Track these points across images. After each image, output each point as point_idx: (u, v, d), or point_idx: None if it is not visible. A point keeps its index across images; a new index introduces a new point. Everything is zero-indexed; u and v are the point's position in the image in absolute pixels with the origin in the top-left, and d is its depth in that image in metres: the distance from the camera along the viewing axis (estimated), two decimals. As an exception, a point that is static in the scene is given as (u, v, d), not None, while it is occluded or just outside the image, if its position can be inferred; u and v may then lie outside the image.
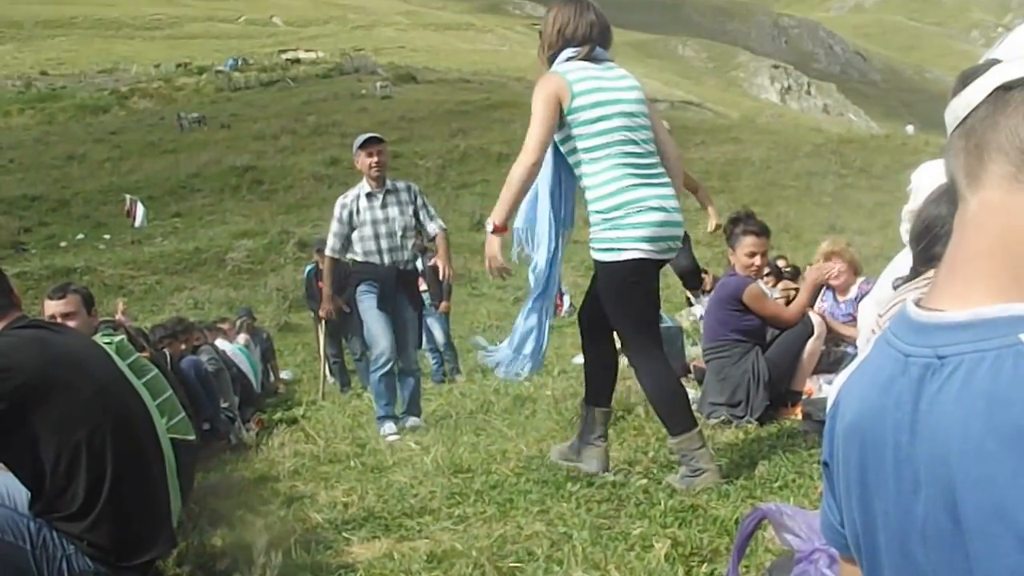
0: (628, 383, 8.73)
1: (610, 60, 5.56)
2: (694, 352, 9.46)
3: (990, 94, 1.35)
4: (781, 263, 14.74)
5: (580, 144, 5.34)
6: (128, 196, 36.60)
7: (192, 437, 6.11)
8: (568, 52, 5.44)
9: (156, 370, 5.92)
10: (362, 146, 9.08)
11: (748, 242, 7.23)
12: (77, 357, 4.59)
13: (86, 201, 41.42)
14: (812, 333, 7.13)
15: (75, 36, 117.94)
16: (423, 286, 12.04)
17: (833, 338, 7.73)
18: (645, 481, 5.39)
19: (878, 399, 1.42)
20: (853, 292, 8.15)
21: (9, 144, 56.09)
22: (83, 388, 4.42)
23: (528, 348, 5.67)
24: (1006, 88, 1.34)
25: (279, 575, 4.67)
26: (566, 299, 24.82)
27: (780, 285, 12.26)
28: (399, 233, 8.97)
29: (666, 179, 5.43)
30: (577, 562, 4.28)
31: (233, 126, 59.60)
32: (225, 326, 15.69)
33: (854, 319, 7.23)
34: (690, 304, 14.96)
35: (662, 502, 4.91)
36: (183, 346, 9.99)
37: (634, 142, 5.30)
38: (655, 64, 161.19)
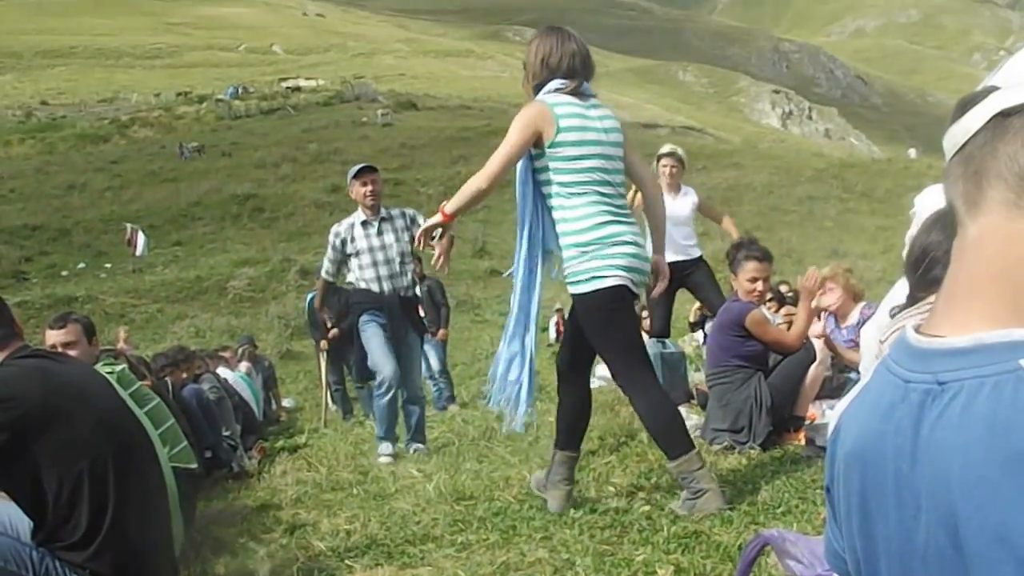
0: (631, 409, 8.74)
1: (594, 96, 5.64)
2: (697, 378, 9.45)
3: (988, 121, 1.35)
4: (784, 288, 14.74)
5: (557, 178, 5.40)
6: (129, 225, 36.75)
7: (194, 466, 6.12)
8: (556, 83, 5.49)
9: (158, 399, 5.94)
10: (356, 176, 9.15)
11: (750, 267, 7.24)
12: (79, 386, 4.58)
13: (87, 230, 41.53)
14: (814, 359, 7.13)
15: (75, 66, 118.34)
16: (420, 313, 12.08)
17: (837, 364, 7.72)
18: (648, 507, 5.37)
19: (879, 425, 1.41)
20: (855, 318, 8.13)
21: (10, 174, 56.30)
22: (85, 417, 4.41)
23: (513, 374, 5.64)
24: (1005, 115, 1.34)
25: (282, 603, 4.66)
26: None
27: (783, 311, 12.26)
28: (397, 260, 8.99)
29: (632, 218, 5.59)
30: (580, 589, 4.27)
31: (234, 154, 59.84)
32: (227, 354, 15.69)
33: (856, 345, 7.22)
34: (693, 330, 14.98)
35: (665, 528, 4.90)
36: (184, 375, 9.98)
37: (608, 183, 5.41)
38: (655, 89, 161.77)
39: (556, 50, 5.52)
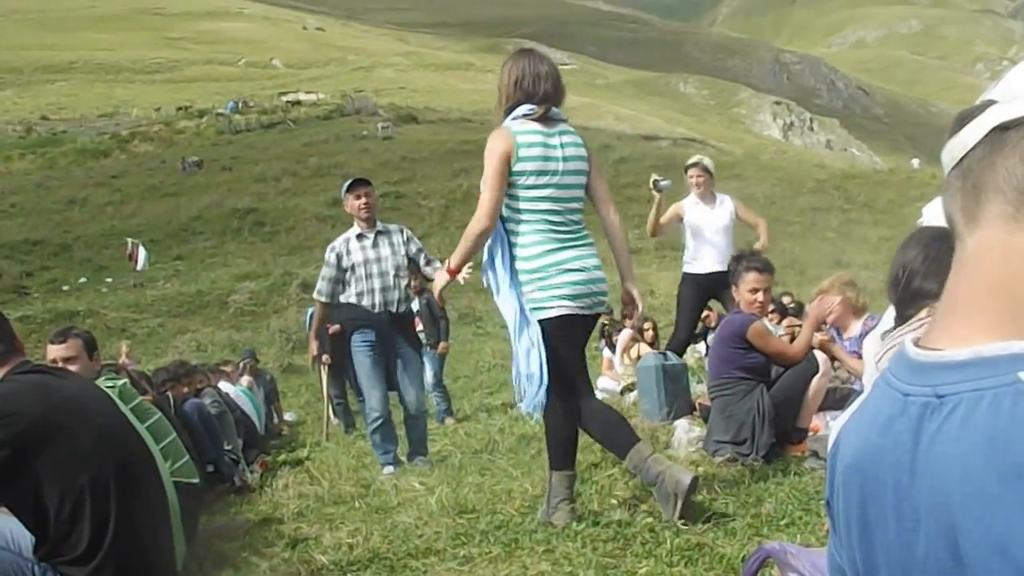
0: (634, 421, 8.74)
1: (563, 120, 5.76)
2: (699, 390, 9.45)
3: (987, 135, 1.35)
4: (786, 300, 14.75)
5: (510, 203, 5.59)
6: (130, 239, 36.81)
7: (196, 480, 6.11)
8: (524, 109, 5.62)
9: (159, 414, 5.93)
10: (349, 189, 9.22)
11: (751, 278, 7.24)
12: (80, 402, 4.59)
13: (88, 245, 41.52)
14: (817, 370, 7.12)
15: (75, 80, 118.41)
16: (419, 326, 12.07)
17: (840, 375, 7.72)
18: (651, 520, 5.36)
19: (878, 439, 1.42)
20: (857, 329, 8.10)
21: (10, 189, 56.29)
22: (86, 433, 4.42)
23: (533, 367, 5.67)
24: (1002, 128, 1.34)
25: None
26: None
27: (785, 322, 12.27)
28: (391, 273, 9.00)
29: (588, 241, 5.72)
30: (584, 601, 4.26)
31: (234, 168, 59.78)
32: (228, 368, 15.70)
33: (859, 356, 7.22)
34: (695, 342, 14.97)
35: (668, 541, 4.89)
36: (186, 389, 9.99)
37: (557, 212, 5.58)
38: (656, 101, 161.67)
39: (529, 72, 5.68)
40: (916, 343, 1.42)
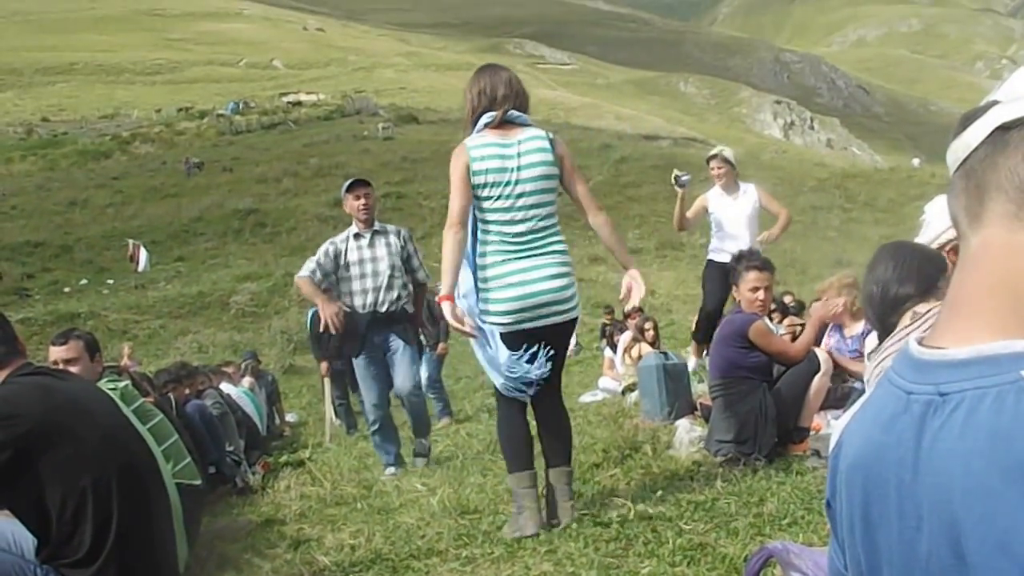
0: (635, 421, 8.74)
1: (529, 124, 5.84)
2: (700, 389, 9.45)
3: (989, 135, 1.36)
4: (787, 299, 14.76)
5: (475, 214, 5.74)
6: (131, 241, 36.84)
7: (198, 482, 6.11)
8: (485, 118, 5.77)
9: (161, 415, 5.93)
10: (348, 190, 9.19)
11: (751, 277, 7.23)
12: (82, 403, 4.59)
13: (89, 246, 41.60)
14: (818, 369, 7.10)
15: (76, 82, 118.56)
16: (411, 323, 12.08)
17: (840, 374, 7.70)
18: (653, 520, 5.37)
19: (880, 437, 1.42)
20: (860, 328, 8.08)
21: (11, 191, 56.42)
22: (88, 434, 4.42)
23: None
24: (1005, 129, 1.35)
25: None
26: (572, 337, 24.76)
27: (786, 321, 12.27)
28: (387, 272, 8.97)
29: (551, 249, 5.73)
30: (586, 602, 4.26)
31: (235, 169, 59.86)
32: (230, 369, 15.69)
33: (861, 355, 7.21)
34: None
35: (670, 541, 4.88)
36: (187, 390, 9.99)
37: (515, 221, 5.64)
38: (657, 101, 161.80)
39: (489, 81, 5.86)
40: (920, 342, 1.42)
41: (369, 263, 8.95)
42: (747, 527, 5.04)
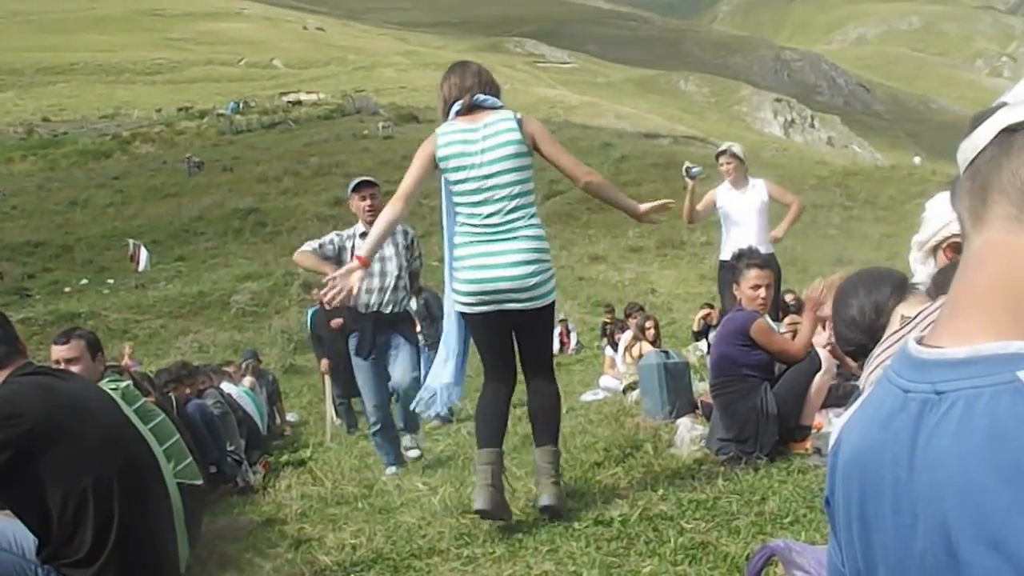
0: (636, 420, 8.74)
1: (499, 107, 5.98)
2: (701, 388, 9.45)
3: (995, 136, 1.37)
4: (788, 297, 14.75)
5: (446, 199, 5.98)
6: (131, 241, 36.95)
7: (199, 482, 6.10)
8: (455, 107, 5.92)
9: (163, 415, 5.93)
10: (355, 189, 9.09)
11: (752, 275, 7.24)
12: (83, 403, 4.59)
13: (89, 246, 41.67)
14: (820, 368, 7.10)
15: (76, 82, 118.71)
16: (417, 327, 12.03)
17: (843, 372, 7.70)
18: (654, 518, 5.36)
19: (877, 434, 1.43)
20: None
21: (12, 191, 56.53)
22: (89, 434, 4.42)
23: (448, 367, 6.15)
24: (1011, 131, 1.35)
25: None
26: (573, 336, 24.85)
27: (787, 319, 12.27)
28: (395, 273, 8.94)
29: (519, 234, 5.77)
30: (588, 601, 4.26)
31: (235, 169, 59.96)
32: (230, 369, 15.70)
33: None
34: (696, 339, 15.00)
35: (672, 539, 4.88)
36: (188, 390, 9.98)
37: (481, 203, 5.75)
38: (657, 99, 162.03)
39: (458, 73, 6.07)
40: (919, 341, 1.42)
41: (377, 262, 8.88)
42: (749, 526, 5.04)
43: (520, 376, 6.08)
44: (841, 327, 3.68)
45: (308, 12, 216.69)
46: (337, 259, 8.89)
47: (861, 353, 3.56)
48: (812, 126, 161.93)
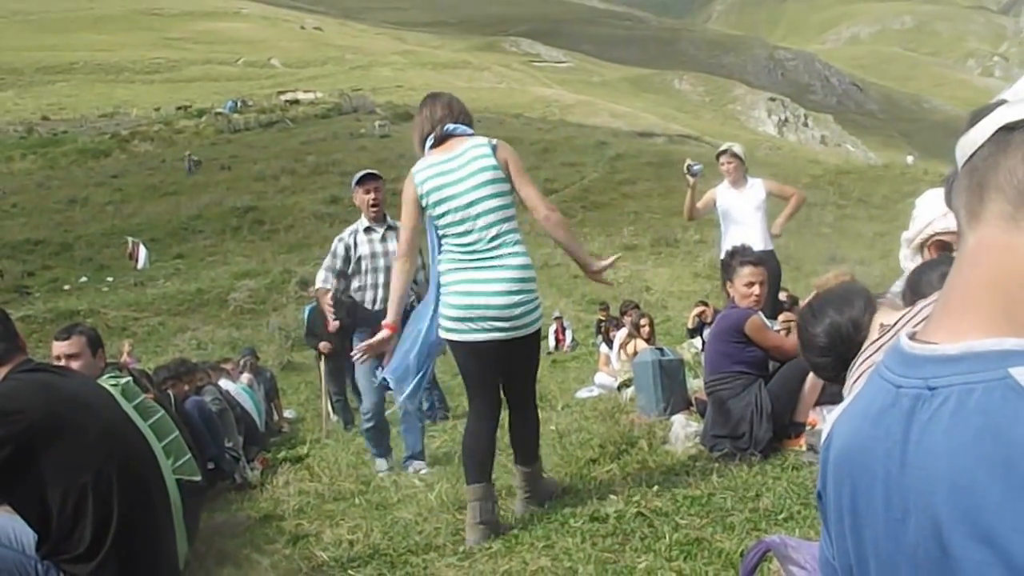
0: (631, 417, 8.75)
1: (470, 135, 6.00)
2: (695, 385, 9.46)
3: (993, 134, 1.38)
4: (782, 295, 14.76)
5: (430, 232, 5.95)
6: (130, 238, 36.93)
7: (198, 478, 6.12)
8: (429, 141, 5.98)
9: (162, 411, 5.94)
10: (359, 183, 9.07)
11: (746, 272, 7.25)
12: (83, 400, 4.61)
13: (89, 244, 41.62)
14: (814, 365, 7.11)
15: (75, 81, 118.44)
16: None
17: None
18: (649, 515, 5.37)
19: (869, 430, 1.43)
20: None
21: (12, 189, 56.44)
22: (89, 430, 4.44)
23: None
24: (1008, 129, 1.36)
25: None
26: (568, 333, 24.81)
27: (781, 316, 12.27)
28: None
29: (501, 262, 5.75)
30: (583, 596, 4.28)
31: (233, 167, 59.88)
32: (228, 366, 15.66)
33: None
34: (691, 336, 15.00)
35: (667, 536, 4.90)
36: (186, 387, 9.96)
37: (466, 232, 5.76)
38: (652, 98, 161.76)
39: (430, 107, 6.13)
40: (911, 337, 1.44)
41: (381, 257, 8.87)
42: (743, 522, 5.05)
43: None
44: (813, 358, 3.67)
45: (306, 12, 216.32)
46: (344, 260, 8.93)
47: (836, 378, 3.55)
48: (806, 125, 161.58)
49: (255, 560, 5.87)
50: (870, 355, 3.16)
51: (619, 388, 11.93)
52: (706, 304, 15.35)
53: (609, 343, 16.01)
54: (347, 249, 8.92)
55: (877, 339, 3.17)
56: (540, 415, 7.40)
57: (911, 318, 2.85)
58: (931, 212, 4.61)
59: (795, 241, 33.08)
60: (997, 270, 1.33)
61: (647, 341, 14.19)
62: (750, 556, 3.16)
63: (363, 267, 8.89)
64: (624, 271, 33.40)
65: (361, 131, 71.47)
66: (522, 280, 5.75)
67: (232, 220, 45.79)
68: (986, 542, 1.19)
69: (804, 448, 6.79)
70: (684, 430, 7.62)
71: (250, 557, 5.98)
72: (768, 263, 9.42)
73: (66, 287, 35.29)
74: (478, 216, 5.69)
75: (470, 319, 5.69)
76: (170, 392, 8.88)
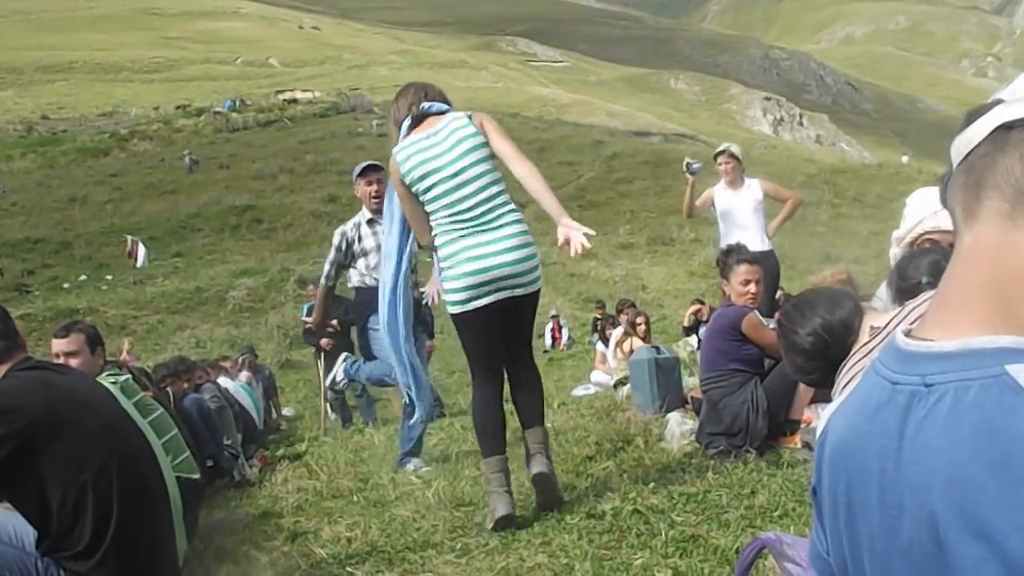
0: (627, 415, 8.77)
1: (448, 111, 6.03)
2: (691, 383, 9.47)
3: (991, 133, 1.39)
4: (777, 294, 14.78)
5: (423, 207, 5.94)
6: (129, 237, 36.90)
7: (197, 476, 6.14)
8: (406, 123, 5.99)
9: (162, 409, 5.96)
10: (361, 174, 8.94)
11: (742, 270, 7.27)
12: (82, 397, 4.63)
13: (88, 243, 41.62)
14: (809, 363, 7.12)
15: (75, 80, 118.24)
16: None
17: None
18: (646, 512, 5.38)
19: (865, 426, 1.44)
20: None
21: (11, 188, 56.44)
22: (88, 428, 4.45)
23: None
24: (1006, 127, 1.37)
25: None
26: (564, 331, 24.84)
27: (777, 315, 12.29)
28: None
29: (504, 221, 5.79)
30: (579, 593, 4.30)
31: (232, 166, 59.86)
32: (227, 364, 15.69)
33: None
34: (687, 334, 15.03)
35: (663, 532, 4.91)
36: (185, 385, 9.97)
37: (459, 200, 5.77)
38: (648, 98, 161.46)
39: (404, 94, 6.15)
40: (907, 334, 1.45)
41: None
42: (739, 519, 5.07)
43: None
44: (799, 360, 3.56)
45: (304, 11, 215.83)
46: (347, 253, 8.87)
47: (822, 381, 3.52)
48: (801, 124, 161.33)
49: (254, 557, 5.88)
50: (862, 357, 3.18)
51: (615, 386, 11.96)
52: (702, 302, 15.39)
53: (605, 341, 16.04)
54: (350, 243, 8.86)
55: (868, 341, 3.19)
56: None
57: (903, 318, 2.87)
58: (921, 211, 4.63)
59: (790, 240, 33.05)
60: (994, 268, 1.34)
61: (643, 339, 14.22)
62: (746, 553, 3.17)
63: (372, 261, 8.79)
64: (620, 269, 33.42)
65: (359, 130, 71.41)
66: (526, 234, 5.82)
67: (231, 219, 45.79)
68: (982, 538, 1.20)
69: (799, 445, 6.81)
70: (680, 428, 7.65)
71: (249, 554, 5.99)
72: (767, 262, 9.48)
73: (65, 285, 35.31)
74: (468, 183, 5.72)
75: (483, 283, 5.70)
76: (169, 390, 8.89)
